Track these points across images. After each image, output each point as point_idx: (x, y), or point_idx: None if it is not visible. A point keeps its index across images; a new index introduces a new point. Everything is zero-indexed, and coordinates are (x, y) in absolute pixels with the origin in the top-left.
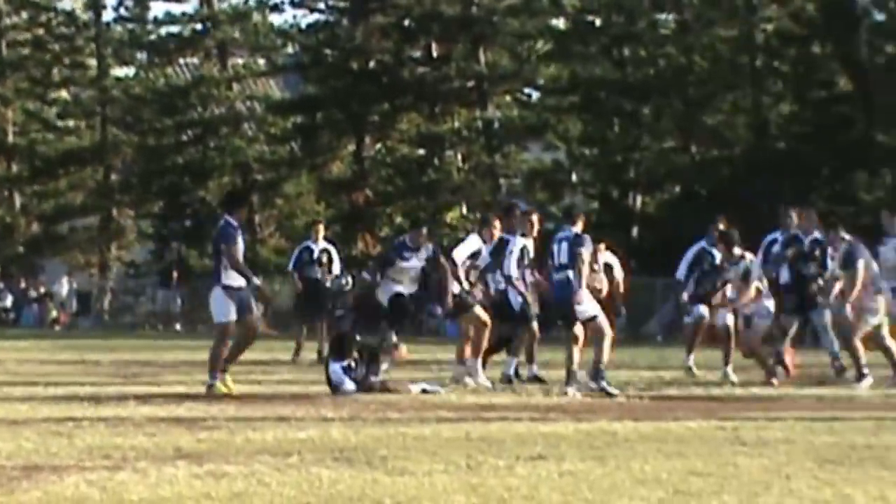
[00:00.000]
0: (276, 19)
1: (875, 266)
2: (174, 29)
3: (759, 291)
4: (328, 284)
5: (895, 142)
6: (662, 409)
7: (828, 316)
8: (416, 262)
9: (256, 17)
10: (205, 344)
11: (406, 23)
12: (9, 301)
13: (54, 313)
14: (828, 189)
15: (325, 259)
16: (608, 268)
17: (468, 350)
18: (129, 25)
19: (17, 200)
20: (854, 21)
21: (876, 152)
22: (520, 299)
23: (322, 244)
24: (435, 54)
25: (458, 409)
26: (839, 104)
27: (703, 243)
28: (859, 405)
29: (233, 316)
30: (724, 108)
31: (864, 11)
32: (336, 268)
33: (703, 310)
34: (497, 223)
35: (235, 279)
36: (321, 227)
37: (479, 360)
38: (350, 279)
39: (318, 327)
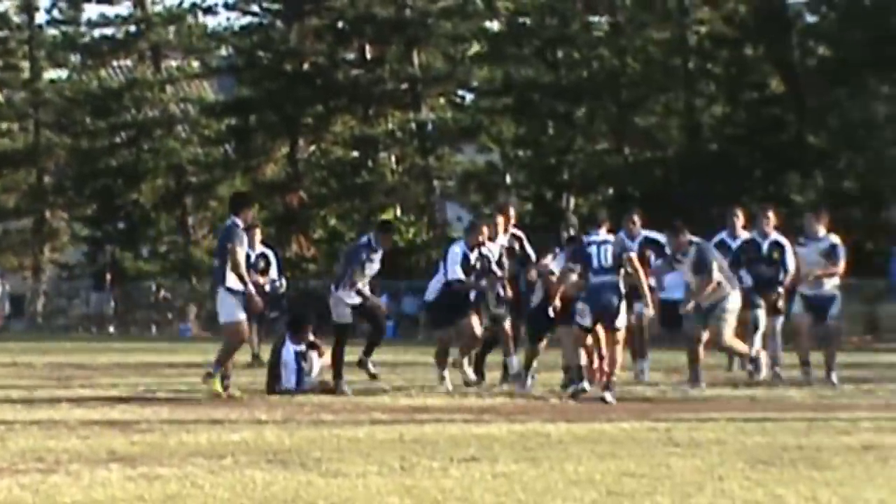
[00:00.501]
0: (209, 21)
1: (725, 265)
2: (108, 31)
3: None
4: (267, 289)
5: (827, 143)
6: (595, 410)
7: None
8: (377, 263)
9: (190, 19)
10: (137, 346)
11: (340, 25)
12: None
13: None
14: (760, 190)
15: (262, 264)
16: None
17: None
18: (63, 28)
19: None
20: (786, 23)
21: (808, 154)
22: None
23: (259, 249)
24: (369, 56)
25: (391, 410)
26: (771, 106)
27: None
28: (791, 406)
29: (241, 315)
30: (657, 110)
31: (796, 14)
32: (273, 272)
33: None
34: (485, 228)
35: (238, 282)
36: (258, 232)
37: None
38: (285, 282)
39: (254, 331)
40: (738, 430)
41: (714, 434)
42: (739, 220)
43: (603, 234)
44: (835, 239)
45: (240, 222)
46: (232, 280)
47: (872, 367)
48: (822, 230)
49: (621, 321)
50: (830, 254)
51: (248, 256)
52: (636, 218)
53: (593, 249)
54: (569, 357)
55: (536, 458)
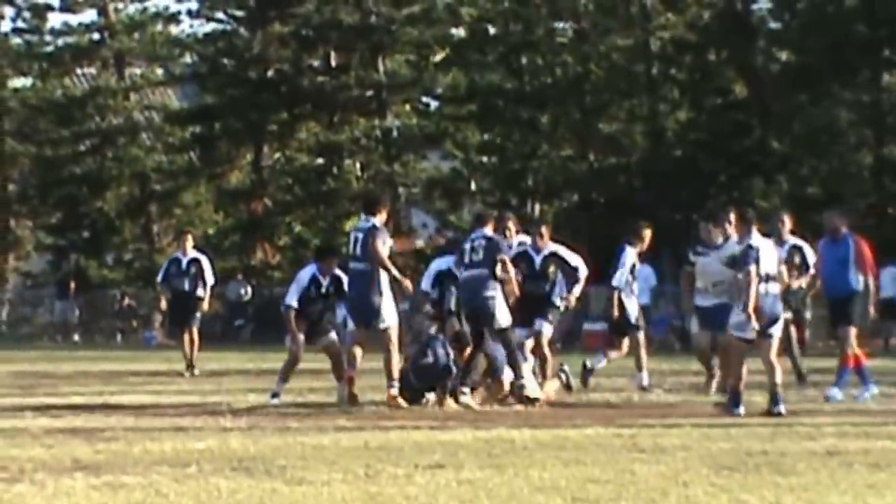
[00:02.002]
0: (173, 29)
1: None
2: (71, 39)
3: None
4: (200, 293)
5: (791, 149)
6: (560, 416)
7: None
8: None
9: (153, 26)
10: (102, 354)
11: (304, 32)
12: None
13: None
14: (724, 196)
15: (193, 270)
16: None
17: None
18: (27, 36)
19: None
20: (749, 29)
21: (771, 159)
22: None
23: (191, 255)
24: (333, 63)
25: (356, 418)
26: (735, 111)
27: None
28: (755, 412)
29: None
30: (621, 116)
31: (759, 20)
32: (208, 278)
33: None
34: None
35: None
36: (189, 238)
37: None
38: (249, 289)
39: (185, 339)
40: (702, 436)
41: (679, 440)
42: (786, 225)
43: (756, 235)
44: (734, 248)
45: (377, 222)
46: (385, 283)
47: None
48: (720, 238)
49: (777, 329)
50: (736, 262)
51: (178, 263)
52: (648, 231)
53: (760, 252)
54: (732, 377)
55: (501, 464)
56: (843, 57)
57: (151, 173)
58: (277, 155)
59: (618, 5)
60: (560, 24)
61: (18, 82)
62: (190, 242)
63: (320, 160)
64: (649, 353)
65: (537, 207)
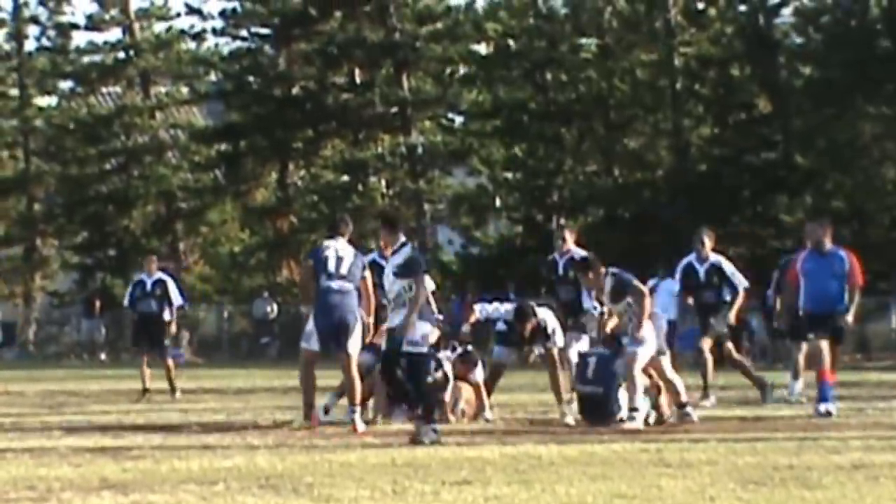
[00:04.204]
0: (198, 47)
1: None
2: (96, 58)
3: None
4: (167, 316)
5: (815, 164)
6: (587, 431)
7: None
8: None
9: (179, 45)
10: (129, 373)
11: (329, 49)
12: None
13: None
14: (749, 211)
15: (159, 291)
16: None
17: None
18: (52, 55)
19: None
20: (772, 44)
21: (796, 174)
22: None
23: (156, 276)
24: (358, 80)
25: (383, 434)
26: (759, 126)
27: None
28: (781, 426)
29: None
30: (646, 132)
31: (783, 35)
32: (175, 298)
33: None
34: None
35: None
36: (154, 259)
37: None
38: (276, 307)
39: (149, 360)
40: (728, 451)
41: (705, 454)
42: (706, 242)
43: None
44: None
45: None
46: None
47: (862, 386)
48: (602, 280)
49: None
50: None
51: (143, 284)
52: (707, 239)
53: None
54: None
55: (528, 480)
56: (867, 71)
57: (177, 191)
58: (303, 172)
59: (642, 21)
60: (584, 40)
61: (44, 101)
62: (154, 264)
63: (345, 177)
64: (677, 368)
65: (563, 223)
